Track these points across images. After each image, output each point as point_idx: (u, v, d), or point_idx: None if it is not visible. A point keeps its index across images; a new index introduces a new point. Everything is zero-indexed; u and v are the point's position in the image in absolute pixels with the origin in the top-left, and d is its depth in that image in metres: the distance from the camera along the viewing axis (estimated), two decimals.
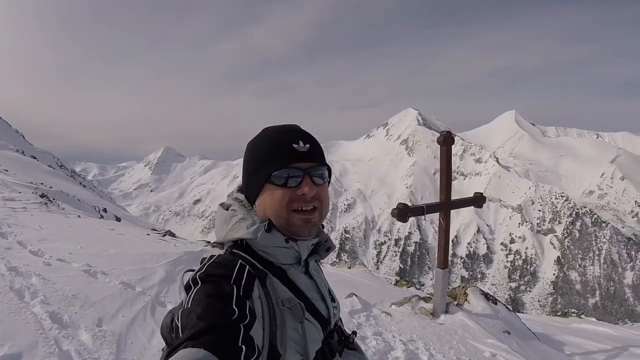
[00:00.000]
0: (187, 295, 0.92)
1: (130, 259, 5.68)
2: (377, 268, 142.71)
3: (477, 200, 5.62)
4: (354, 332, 1.28)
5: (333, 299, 1.25)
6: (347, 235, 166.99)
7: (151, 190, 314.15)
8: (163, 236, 8.73)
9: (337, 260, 13.52)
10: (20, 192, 11.52)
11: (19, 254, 5.67)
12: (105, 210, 16.85)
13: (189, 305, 0.87)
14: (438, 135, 5.42)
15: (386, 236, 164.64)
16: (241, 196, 1.17)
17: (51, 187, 16.39)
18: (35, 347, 3.17)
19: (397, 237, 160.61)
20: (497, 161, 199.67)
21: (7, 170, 16.58)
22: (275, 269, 1.10)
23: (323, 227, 1.24)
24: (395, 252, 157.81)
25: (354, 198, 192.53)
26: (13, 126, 48.37)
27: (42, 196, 11.06)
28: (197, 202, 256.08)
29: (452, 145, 5.44)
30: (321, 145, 1.18)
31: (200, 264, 1.02)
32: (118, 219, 14.80)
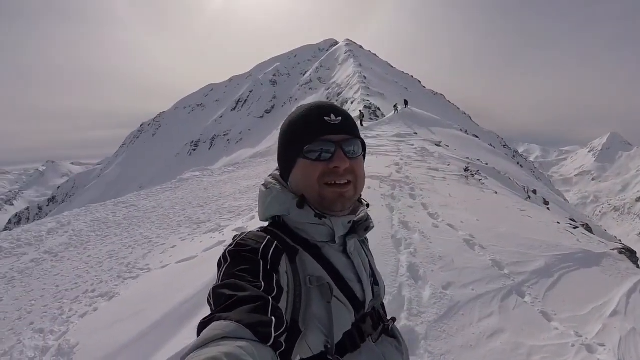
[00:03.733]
0: (218, 271, 1.04)
1: (516, 241, 5.82)
2: None
3: None
4: (393, 319, 1.34)
5: (376, 282, 1.32)
6: None
7: (592, 179, 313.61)
8: (575, 228, 8.23)
9: None
10: (448, 165, 13.67)
11: (417, 213, 6.97)
12: (534, 191, 17.54)
13: (219, 282, 0.98)
14: None
15: None
16: (277, 174, 1.30)
17: (486, 164, 18.54)
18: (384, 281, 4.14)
19: None
20: None
21: (447, 146, 19.95)
22: (310, 246, 1.18)
23: (368, 205, 1.35)
24: None
25: None
26: (461, 109, 56.97)
27: (465, 169, 12.80)
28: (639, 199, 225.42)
29: None
30: None
31: (232, 240, 1.12)
32: (546, 203, 15.05)
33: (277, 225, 1.22)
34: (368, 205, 1.35)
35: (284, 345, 0.89)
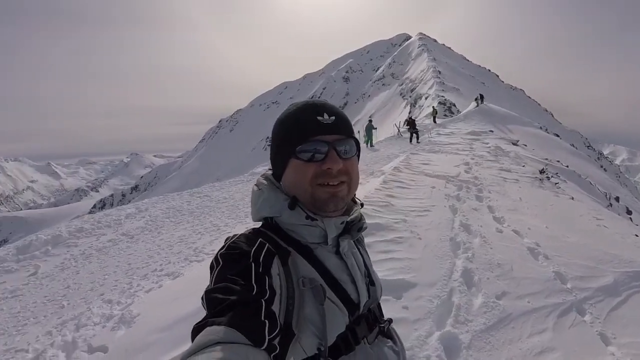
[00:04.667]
0: (211, 274, 1.04)
1: (585, 253, 5.47)
2: None
3: None
4: (389, 320, 1.34)
5: (372, 282, 1.30)
6: None
7: None
8: None
9: None
10: (523, 166, 13.04)
11: (482, 216, 6.77)
12: (617, 199, 16.28)
13: (211, 285, 0.98)
14: None
15: None
16: (270, 174, 1.28)
17: (566, 166, 17.49)
18: (434, 285, 4.21)
19: None
20: None
21: (525, 145, 18.99)
22: (302, 247, 1.16)
23: (362, 205, 1.33)
24: None
25: None
26: (542, 105, 53.87)
27: (541, 172, 12.14)
28: None
29: None
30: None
31: (224, 242, 1.12)
32: (629, 212, 13.91)
33: (269, 226, 1.22)
34: (362, 205, 1.34)
35: (277, 348, 0.91)
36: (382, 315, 1.34)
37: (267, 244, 1.10)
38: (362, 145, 25.07)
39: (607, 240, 6.56)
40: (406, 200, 7.11)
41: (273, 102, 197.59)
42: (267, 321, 0.88)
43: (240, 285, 0.95)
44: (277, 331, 0.90)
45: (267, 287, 0.98)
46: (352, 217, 1.24)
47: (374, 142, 24.56)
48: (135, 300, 6.58)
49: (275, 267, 1.07)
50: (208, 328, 0.82)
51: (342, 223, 1.20)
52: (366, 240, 4.90)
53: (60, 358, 5.26)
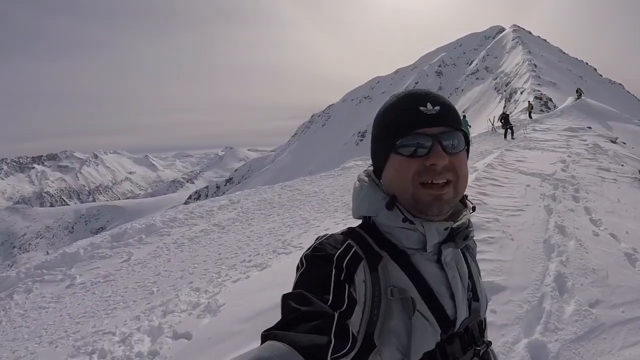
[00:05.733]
0: (295, 276, 0.99)
1: None
2: None
3: None
4: (488, 342, 1.19)
5: (475, 298, 1.16)
6: None
7: None
8: None
9: None
10: (622, 165, 12.34)
11: (578, 218, 6.64)
12: None
13: (291, 290, 0.93)
14: None
15: None
16: (372, 170, 1.19)
17: None
18: (525, 289, 4.18)
19: None
20: None
21: (624, 143, 17.88)
22: (398, 252, 1.06)
23: (474, 209, 1.18)
24: None
25: None
26: None
27: None
28: None
29: None
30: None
31: (313, 242, 1.06)
32: None
33: (367, 226, 1.12)
34: (474, 209, 1.19)
35: None
36: (482, 335, 1.19)
37: (355, 247, 1.02)
38: None
39: None
40: (499, 199, 7.00)
41: (365, 97, 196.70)
42: (334, 339, 0.81)
43: (317, 293, 0.90)
44: (346, 349, 0.83)
45: (345, 297, 0.91)
46: (458, 223, 1.10)
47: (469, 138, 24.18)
48: (222, 289, 6.73)
49: (361, 274, 0.99)
50: (269, 342, 0.77)
51: (445, 229, 1.07)
52: None
53: (145, 342, 5.49)
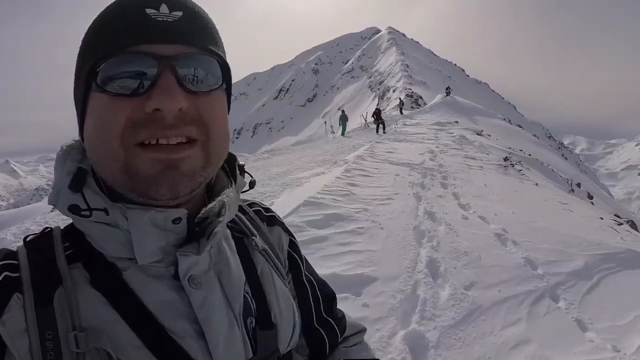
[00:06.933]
0: None
1: (554, 238, 5.27)
2: None
3: None
4: None
5: (267, 324, 0.69)
6: None
7: (639, 174, 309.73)
8: (619, 225, 7.51)
9: None
10: (487, 154, 12.99)
11: (447, 203, 6.46)
12: (578, 185, 16.77)
13: None
14: None
15: None
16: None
17: (529, 155, 17.72)
18: (397, 278, 3.84)
19: None
20: None
21: (489, 135, 19.29)
22: (106, 267, 0.60)
23: (252, 184, 0.72)
24: None
25: None
26: (505, 98, 55.46)
27: (505, 159, 12.11)
28: None
29: None
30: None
31: None
32: (590, 197, 14.30)
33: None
34: (253, 185, 0.73)
35: None
36: None
37: (6, 272, 0.57)
38: (333, 135, 25.61)
39: (574, 224, 6.42)
40: (368, 189, 6.77)
41: (241, 94, 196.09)
42: None
43: None
44: None
45: None
46: (205, 210, 0.62)
47: (346, 131, 24.75)
48: None
49: (18, 316, 0.54)
50: None
51: (176, 221, 0.59)
52: (323, 232, 4.47)
53: None
